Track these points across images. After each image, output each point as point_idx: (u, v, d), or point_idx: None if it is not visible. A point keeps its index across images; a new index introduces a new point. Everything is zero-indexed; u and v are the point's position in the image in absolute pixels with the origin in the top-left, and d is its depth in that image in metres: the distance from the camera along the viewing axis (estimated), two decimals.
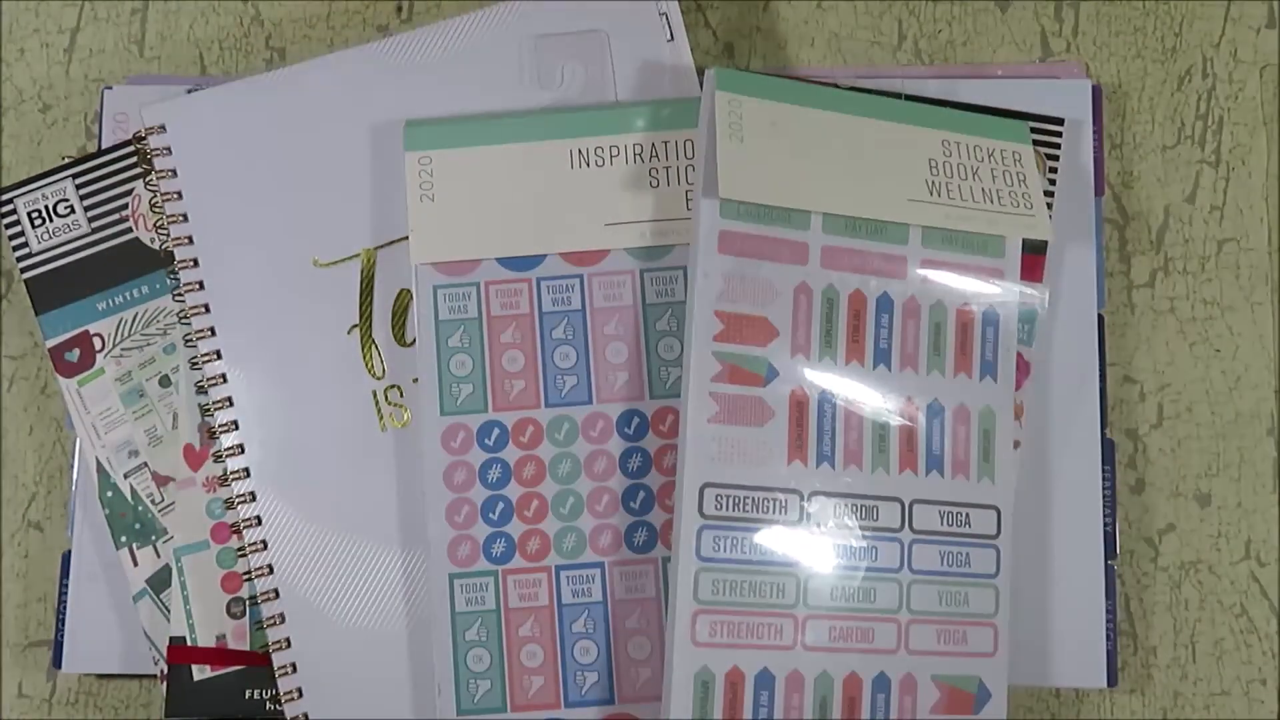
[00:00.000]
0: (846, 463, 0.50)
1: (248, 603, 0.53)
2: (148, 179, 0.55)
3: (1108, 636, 0.54)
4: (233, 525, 0.53)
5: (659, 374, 0.53)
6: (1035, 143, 0.55)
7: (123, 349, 0.56)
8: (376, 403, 0.54)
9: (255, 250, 0.54)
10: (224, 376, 0.54)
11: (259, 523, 0.53)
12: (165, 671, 0.53)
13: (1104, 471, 0.55)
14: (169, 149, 0.55)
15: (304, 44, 0.60)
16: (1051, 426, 0.55)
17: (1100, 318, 0.56)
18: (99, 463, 0.55)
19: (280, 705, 0.52)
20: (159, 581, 0.54)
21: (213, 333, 0.54)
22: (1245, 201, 0.59)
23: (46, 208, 0.56)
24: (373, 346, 0.54)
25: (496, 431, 0.52)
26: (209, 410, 0.54)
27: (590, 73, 0.55)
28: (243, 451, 0.53)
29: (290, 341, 0.54)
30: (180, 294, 0.54)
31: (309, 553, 0.53)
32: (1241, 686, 0.56)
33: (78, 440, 0.56)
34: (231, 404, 0.53)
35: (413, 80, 0.55)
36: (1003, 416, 0.52)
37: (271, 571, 0.53)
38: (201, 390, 0.54)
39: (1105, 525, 0.55)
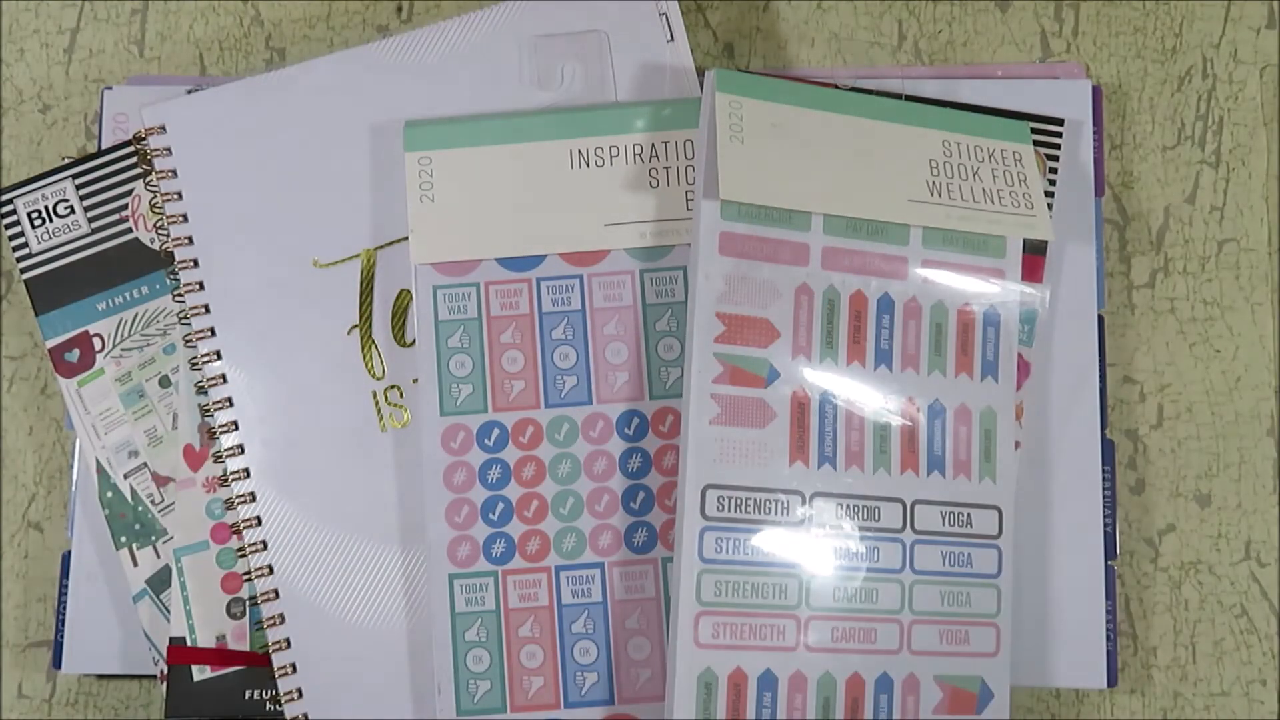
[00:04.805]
0: (848, 464, 0.50)
1: (248, 603, 0.53)
2: (148, 179, 0.55)
3: (1108, 636, 0.54)
4: (233, 526, 0.53)
5: (659, 374, 0.53)
6: (1035, 143, 0.55)
7: (123, 349, 0.55)
8: (376, 403, 0.54)
9: (255, 250, 0.54)
10: (224, 377, 0.54)
11: (259, 523, 0.53)
12: (165, 672, 0.53)
13: (1104, 472, 0.55)
14: (169, 149, 0.55)
15: (304, 44, 0.60)
16: (1051, 426, 0.55)
17: (1100, 318, 0.56)
18: (99, 463, 0.55)
19: (280, 705, 0.52)
20: (159, 582, 0.54)
21: (212, 333, 0.54)
22: (1245, 201, 0.59)
23: (46, 208, 0.56)
24: (373, 347, 0.54)
25: (496, 432, 0.52)
26: (209, 410, 0.54)
27: (590, 73, 0.55)
28: (242, 452, 0.53)
29: (290, 342, 0.54)
30: (180, 294, 0.54)
31: (309, 553, 0.53)
32: (1241, 687, 0.56)
33: (78, 440, 0.56)
34: (231, 404, 0.53)
35: (413, 80, 0.55)
36: (1004, 417, 0.52)
37: (271, 572, 0.53)
38: (201, 390, 0.54)
39: (1105, 525, 0.55)
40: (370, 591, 0.53)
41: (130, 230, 0.56)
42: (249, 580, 0.53)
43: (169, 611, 0.54)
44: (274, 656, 0.52)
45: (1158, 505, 0.57)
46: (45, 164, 0.59)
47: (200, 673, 0.53)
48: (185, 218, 0.55)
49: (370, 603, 0.53)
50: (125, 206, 0.56)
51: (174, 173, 0.55)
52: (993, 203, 0.53)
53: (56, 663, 0.55)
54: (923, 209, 0.52)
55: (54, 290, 0.56)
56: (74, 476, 0.56)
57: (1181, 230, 0.59)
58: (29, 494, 0.58)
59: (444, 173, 0.53)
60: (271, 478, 0.53)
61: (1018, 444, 0.54)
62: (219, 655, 0.53)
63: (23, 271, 0.56)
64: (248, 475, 0.53)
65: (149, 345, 0.56)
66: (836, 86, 0.55)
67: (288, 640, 0.52)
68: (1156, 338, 0.58)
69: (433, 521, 0.52)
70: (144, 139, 0.55)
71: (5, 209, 0.56)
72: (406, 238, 0.53)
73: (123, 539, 0.55)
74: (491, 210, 0.53)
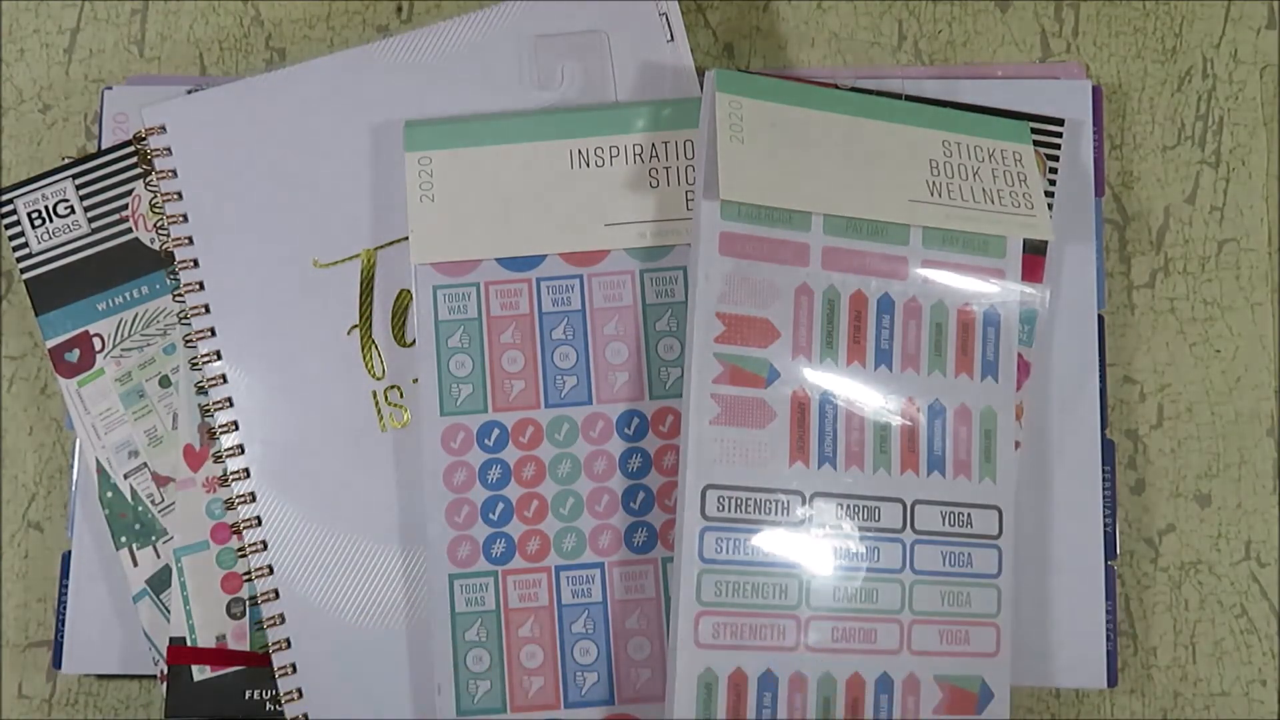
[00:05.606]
0: (848, 464, 0.50)
1: (248, 603, 0.53)
2: (148, 179, 0.55)
3: (1108, 636, 0.54)
4: (233, 526, 0.53)
5: (659, 374, 0.53)
6: (1035, 143, 0.55)
7: (123, 349, 0.55)
8: (376, 403, 0.54)
9: (255, 251, 0.54)
10: (224, 377, 0.54)
11: (259, 523, 0.53)
12: (165, 672, 0.53)
13: (1104, 472, 0.55)
14: (169, 149, 0.55)
15: (304, 44, 0.60)
16: (1051, 426, 0.55)
17: (1100, 318, 0.56)
18: (99, 463, 0.55)
19: (280, 705, 0.52)
20: (159, 582, 0.54)
21: (213, 333, 0.54)
22: (1245, 201, 0.59)
23: (46, 208, 0.56)
24: (373, 347, 0.54)
25: (496, 432, 0.52)
26: (209, 410, 0.54)
27: (590, 73, 0.55)
28: (242, 452, 0.53)
29: (290, 342, 0.54)
30: (180, 294, 0.54)
31: (309, 553, 0.53)
32: (1241, 687, 0.56)
33: (78, 440, 0.56)
34: (231, 404, 0.53)
35: (413, 80, 0.55)
36: (1004, 417, 0.52)
37: (271, 572, 0.53)
38: (201, 391, 0.54)
39: (1105, 525, 0.55)
40: (370, 591, 0.53)
41: (130, 230, 0.56)
42: (249, 580, 0.53)
43: (169, 611, 0.54)
44: (274, 656, 0.52)
45: (1158, 505, 0.57)
46: (45, 164, 0.59)
47: (200, 673, 0.53)
48: (185, 218, 0.55)
49: (370, 603, 0.53)
50: (125, 206, 0.56)
51: (174, 173, 0.55)
52: (993, 203, 0.53)
53: (56, 663, 0.55)
54: (923, 209, 0.52)
55: (54, 290, 0.56)
56: (74, 476, 0.56)
57: (1181, 230, 0.59)
58: (29, 494, 0.58)
59: (444, 173, 0.53)
60: (271, 478, 0.53)
61: (1018, 444, 0.54)
62: (219, 655, 0.53)
63: (23, 271, 0.56)
64: (248, 475, 0.53)
65: (149, 345, 0.56)
66: (836, 86, 0.55)
67: (288, 640, 0.52)
68: (1156, 338, 0.58)
69: (433, 521, 0.52)
70: (144, 139, 0.55)
71: (5, 209, 0.56)
72: (406, 238, 0.53)
73: (123, 539, 0.55)
74: (492, 210, 0.53)
